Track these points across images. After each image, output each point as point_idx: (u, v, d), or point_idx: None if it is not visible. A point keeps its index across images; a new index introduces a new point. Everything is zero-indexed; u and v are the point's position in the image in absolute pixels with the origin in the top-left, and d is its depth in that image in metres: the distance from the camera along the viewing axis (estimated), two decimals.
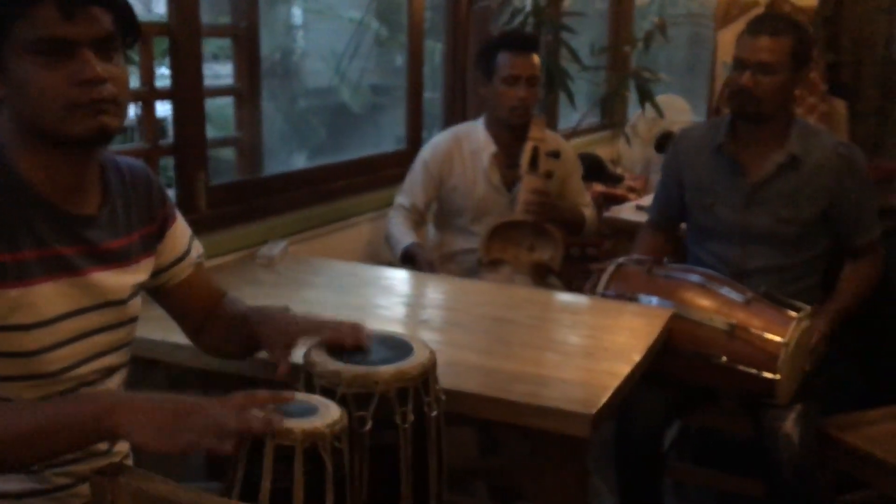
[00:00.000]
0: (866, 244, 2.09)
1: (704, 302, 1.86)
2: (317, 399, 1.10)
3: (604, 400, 1.38)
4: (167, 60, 2.03)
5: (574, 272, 2.89)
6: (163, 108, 2.09)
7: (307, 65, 4.30)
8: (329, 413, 1.05)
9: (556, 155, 2.42)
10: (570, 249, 3.02)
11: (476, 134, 2.49)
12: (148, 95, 2.00)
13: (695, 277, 1.92)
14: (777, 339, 1.78)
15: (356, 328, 1.24)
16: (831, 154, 2.04)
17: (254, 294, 1.82)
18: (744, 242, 2.08)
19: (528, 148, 2.36)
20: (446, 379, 1.41)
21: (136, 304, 1.24)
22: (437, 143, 2.52)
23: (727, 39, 2.39)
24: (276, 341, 1.26)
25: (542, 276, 2.37)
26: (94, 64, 1.05)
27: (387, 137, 3.19)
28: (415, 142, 2.90)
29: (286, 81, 4.06)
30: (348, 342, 1.22)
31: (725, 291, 1.87)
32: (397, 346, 1.24)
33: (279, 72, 4.04)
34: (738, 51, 2.03)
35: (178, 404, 1.00)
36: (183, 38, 1.99)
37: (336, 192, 2.55)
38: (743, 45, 2.02)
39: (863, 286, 2.09)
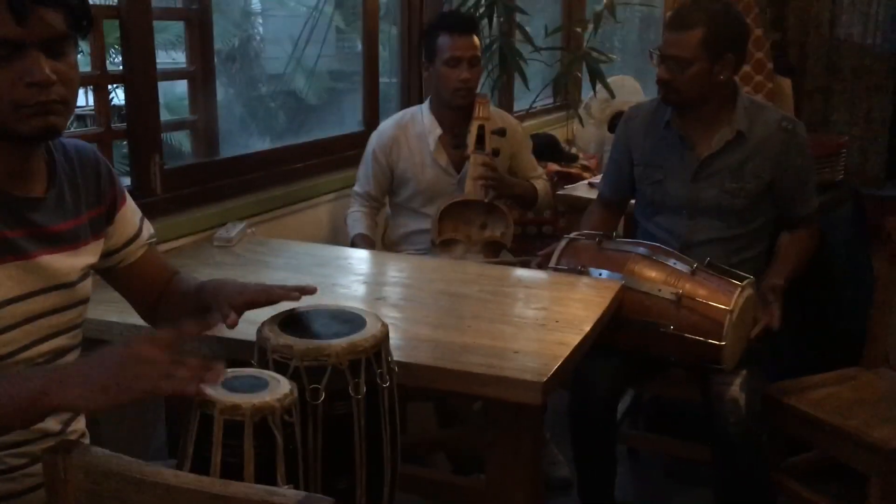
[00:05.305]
0: (805, 216, 2.16)
1: (652, 273, 1.91)
2: (267, 374, 1.11)
3: (554, 368, 1.43)
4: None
5: (530, 250, 2.95)
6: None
7: (266, 51, 4.28)
8: (279, 387, 1.06)
9: (501, 133, 2.46)
10: (527, 227, 3.07)
11: (421, 118, 2.52)
12: (100, 79, 1.99)
13: (642, 250, 1.97)
14: (722, 307, 1.85)
15: (302, 287, 1.27)
16: (775, 128, 2.10)
17: (212, 275, 1.82)
18: (692, 215, 2.14)
19: (473, 127, 2.39)
20: (403, 352, 1.45)
21: (87, 285, 1.25)
22: (382, 131, 2.54)
23: None
24: (225, 302, 1.26)
25: (495, 253, 2.41)
26: (43, 66, 1.05)
27: (349, 123, 3.20)
28: (372, 124, 2.91)
29: (244, 67, 4.04)
30: (295, 296, 1.25)
31: (672, 263, 1.93)
32: (350, 320, 1.27)
33: (237, 57, 4.02)
34: (661, 43, 2.10)
35: (112, 358, 0.98)
36: (133, 21, 1.98)
37: (293, 174, 2.56)
38: (662, 38, 2.08)
39: (802, 255, 2.15)
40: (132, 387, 0.96)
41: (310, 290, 1.27)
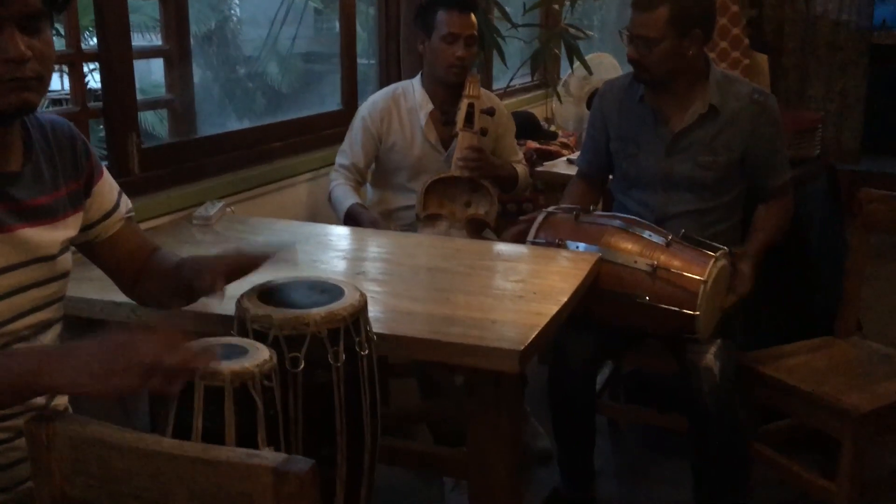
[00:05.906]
0: (778, 186, 2.19)
1: (628, 245, 1.94)
2: (247, 341, 1.13)
3: (532, 337, 1.45)
4: None
5: (510, 226, 2.97)
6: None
7: (243, 32, 4.26)
8: (258, 354, 1.08)
9: (490, 112, 2.47)
10: (507, 205, 3.09)
11: (413, 92, 2.52)
12: (75, 58, 1.98)
13: (618, 223, 2.00)
14: (696, 277, 1.88)
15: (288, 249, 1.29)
16: (747, 101, 2.12)
17: (192, 253, 1.84)
18: (666, 189, 2.17)
19: (463, 105, 2.40)
20: (383, 325, 1.47)
21: (67, 259, 1.25)
22: (374, 101, 2.54)
23: None
24: (206, 274, 1.26)
25: (478, 231, 2.42)
26: (19, 42, 1.05)
27: (328, 105, 3.20)
28: (350, 102, 2.91)
29: (221, 48, 4.02)
30: (274, 254, 1.26)
31: (647, 235, 1.95)
32: (328, 290, 1.28)
33: (213, 38, 4.00)
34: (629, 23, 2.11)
35: (108, 346, 0.99)
36: None
37: (272, 153, 2.55)
38: (630, 18, 2.09)
39: (776, 225, 2.19)
40: (123, 378, 0.97)
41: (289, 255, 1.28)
